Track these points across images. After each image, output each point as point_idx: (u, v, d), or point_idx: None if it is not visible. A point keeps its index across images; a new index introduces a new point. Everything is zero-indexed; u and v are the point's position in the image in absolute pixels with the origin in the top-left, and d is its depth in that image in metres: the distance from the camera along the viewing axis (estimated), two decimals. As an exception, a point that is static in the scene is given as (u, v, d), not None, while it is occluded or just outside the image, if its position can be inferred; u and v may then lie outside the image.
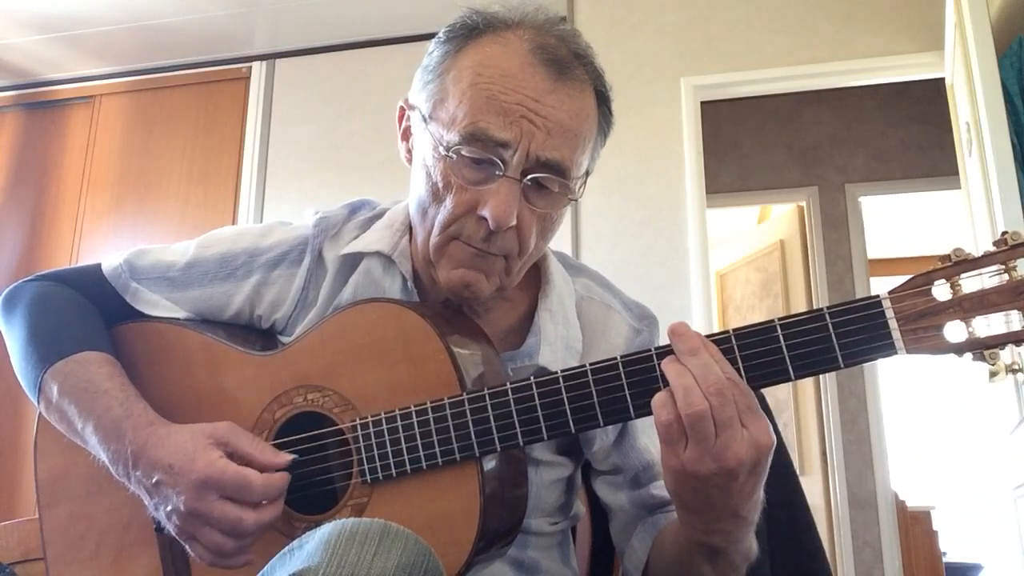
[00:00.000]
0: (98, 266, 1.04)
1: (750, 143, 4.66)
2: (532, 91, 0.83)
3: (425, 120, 0.89)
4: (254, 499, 0.80)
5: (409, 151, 0.94)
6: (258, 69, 3.71)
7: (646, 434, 0.97)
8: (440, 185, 0.86)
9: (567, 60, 0.86)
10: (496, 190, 0.83)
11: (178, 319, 1.00)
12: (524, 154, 0.83)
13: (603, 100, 0.91)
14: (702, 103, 3.18)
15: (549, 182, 0.85)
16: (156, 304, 1.01)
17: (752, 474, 0.71)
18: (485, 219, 0.84)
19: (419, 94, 0.91)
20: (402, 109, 0.95)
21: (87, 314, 0.99)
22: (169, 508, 0.82)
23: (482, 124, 0.83)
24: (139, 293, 1.01)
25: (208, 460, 0.80)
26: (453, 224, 0.86)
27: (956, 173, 2.98)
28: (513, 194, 0.84)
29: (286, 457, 0.85)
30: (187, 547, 0.84)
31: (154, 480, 0.82)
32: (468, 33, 0.88)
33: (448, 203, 0.86)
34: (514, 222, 0.84)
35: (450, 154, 0.84)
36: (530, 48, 0.85)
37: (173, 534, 0.84)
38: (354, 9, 3.47)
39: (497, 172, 0.84)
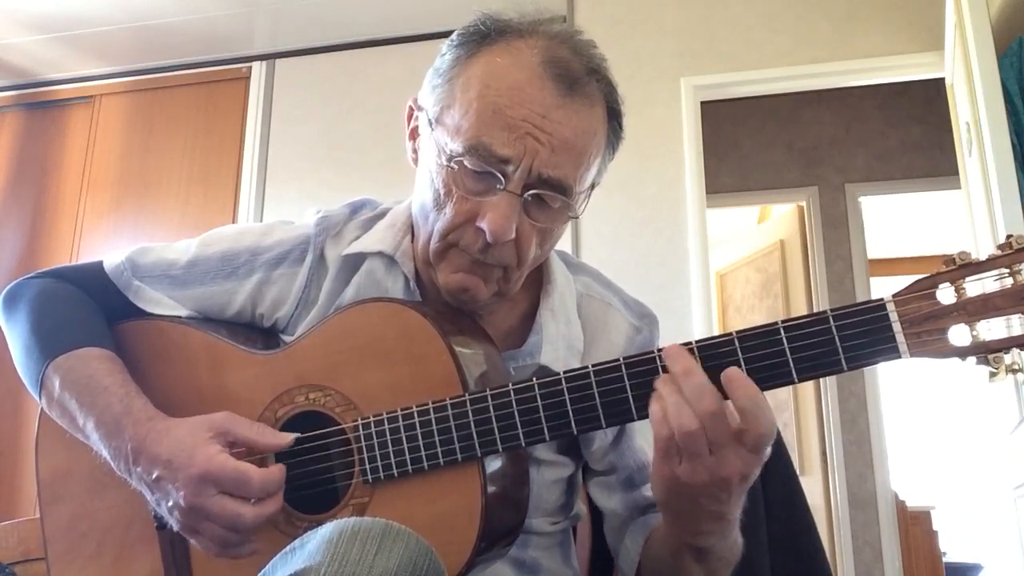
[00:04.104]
0: (100, 264, 1.04)
1: (750, 143, 4.66)
2: (539, 106, 0.82)
3: (431, 124, 0.88)
4: (252, 494, 0.80)
5: (415, 151, 0.94)
6: (258, 69, 3.71)
7: (642, 434, 0.98)
8: (442, 192, 0.86)
9: (578, 75, 0.84)
10: (496, 203, 0.83)
11: (180, 317, 1.00)
12: (526, 170, 0.83)
13: (614, 115, 0.90)
14: (702, 103, 3.18)
15: (550, 199, 0.85)
16: (158, 302, 1.01)
17: (743, 483, 0.73)
18: (483, 230, 0.84)
19: (428, 96, 0.91)
20: (411, 108, 0.95)
21: (89, 311, 0.99)
22: (170, 503, 0.82)
23: (485, 138, 0.82)
24: (141, 291, 1.01)
25: (207, 455, 0.80)
26: (452, 232, 0.87)
27: (956, 173, 2.98)
28: (512, 208, 0.83)
29: (287, 437, 0.85)
30: (192, 540, 0.84)
31: (154, 476, 0.82)
32: (480, 40, 0.87)
33: (448, 211, 0.86)
34: (512, 236, 0.84)
35: (451, 164, 0.84)
36: (541, 61, 0.84)
37: (176, 529, 0.84)
38: (354, 9, 3.47)
39: (498, 185, 0.83)
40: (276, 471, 0.83)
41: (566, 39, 0.87)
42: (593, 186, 0.92)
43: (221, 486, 0.80)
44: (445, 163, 0.85)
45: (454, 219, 0.86)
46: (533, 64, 0.83)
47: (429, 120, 0.89)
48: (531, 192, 0.84)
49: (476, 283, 0.88)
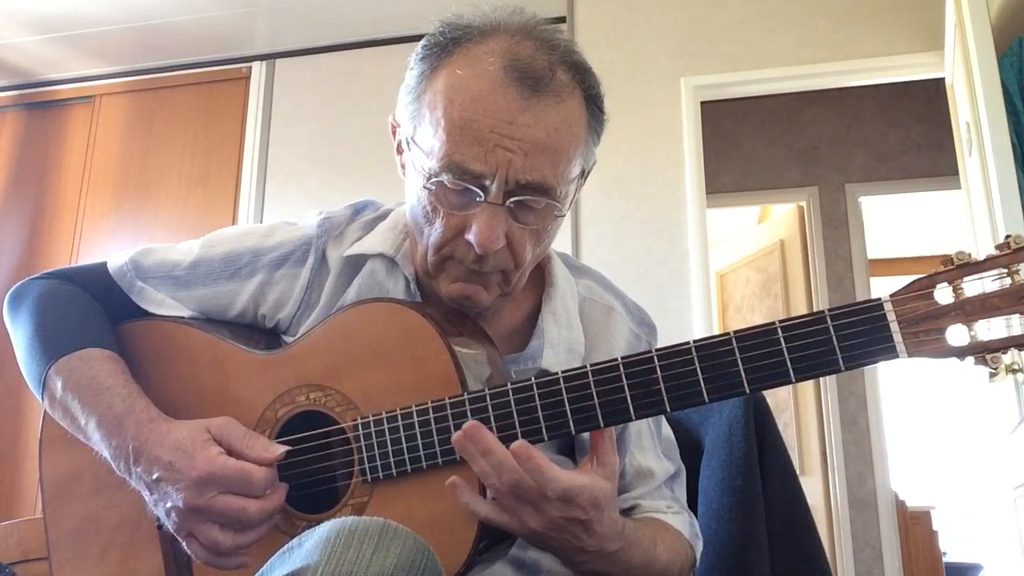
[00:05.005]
0: (104, 265, 1.04)
1: (750, 143, 4.66)
2: (505, 114, 0.81)
3: (408, 144, 0.89)
4: (257, 492, 0.81)
5: (403, 165, 0.94)
6: (258, 69, 3.71)
7: (636, 443, 0.99)
8: (429, 209, 0.87)
9: (541, 72, 0.82)
10: (479, 216, 0.83)
11: (183, 318, 1.01)
12: (503, 180, 0.82)
13: (592, 100, 0.88)
14: (702, 103, 3.18)
15: (533, 202, 0.85)
16: (162, 303, 1.01)
17: (580, 524, 0.78)
18: (474, 245, 0.84)
19: (402, 113, 0.91)
20: (392, 125, 0.95)
21: (92, 312, 0.99)
22: (169, 505, 0.82)
23: (457, 157, 0.82)
24: (145, 292, 1.02)
25: (208, 457, 0.81)
26: (445, 247, 0.87)
27: (956, 173, 2.98)
28: (496, 219, 0.83)
29: (277, 450, 0.85)
30: (184, 544, 0.84)
31: (154, 477, 0.83)
32: (440, 52, 0.86)
33: (438, 226, 0.87)
34: (501, 244, 0.84)
35: (430, 185, 0.84)
36: (501, 66, 0.82)
37: (172, 530, 0.84)
38: (354, 9, 3.47)
39: (478, 199, 0.83)
40: (272, 471, 0.84)
41: (528, 33, 0.85)
42: (584, 172, 0.91)
43: (224, 486, 0.80)
44: (424, 183, 0.85)
45: (444, 234, 0.86)
46: (492, 72, 0.82)
47: (406, 139, 0.89)
48: (513, 199, 0.83)
49: (476, 290, 0.89)
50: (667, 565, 0.89)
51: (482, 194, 0.83)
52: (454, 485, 0.78)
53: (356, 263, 0.98)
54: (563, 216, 0.89)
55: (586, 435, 0.96)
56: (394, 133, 0.95)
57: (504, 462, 0.76)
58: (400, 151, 0.94)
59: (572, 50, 0.87)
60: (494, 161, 0.81)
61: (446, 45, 0.86)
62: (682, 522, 0.98)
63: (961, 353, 0.70)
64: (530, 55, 0.83)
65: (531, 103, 0.82)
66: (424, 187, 0.85)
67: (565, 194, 0.87)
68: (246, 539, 0.82)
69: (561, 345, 0.96)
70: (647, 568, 0.86)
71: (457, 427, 0.81)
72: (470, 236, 0.84)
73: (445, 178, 0.83)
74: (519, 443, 0.76)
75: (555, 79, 0.83)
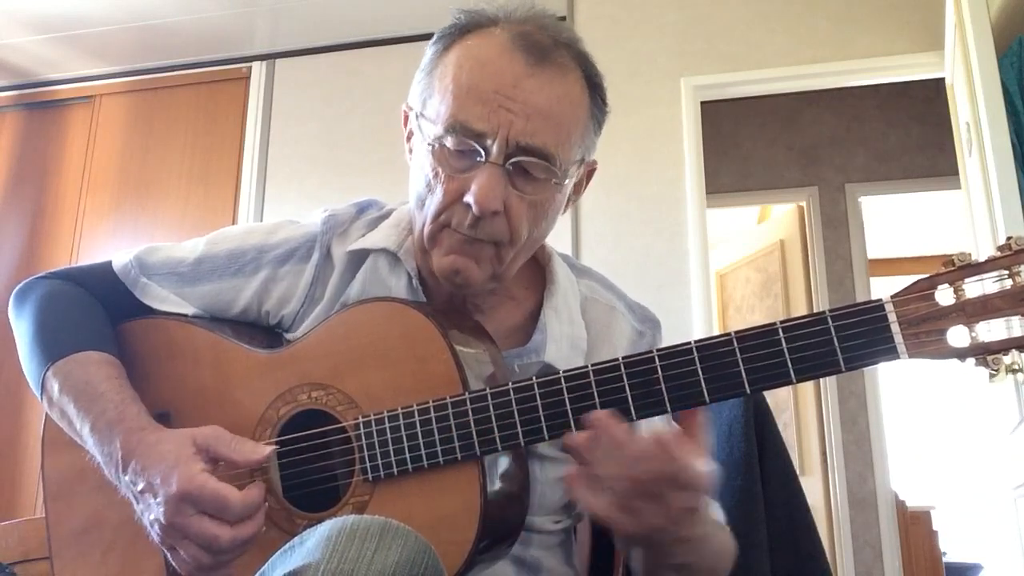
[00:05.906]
0: (108, 264, 1.05)
1: (750, 143, 4.66)
2: (510, 76, 0.84)
3: (417, 117, 0.91)
4: (232, 518, 0.79)
5: (411, 151, 0.96)
6: (258, 69, 3.71)
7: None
8: (431, 176, 0.88)
9: (547, 45, 0.87)
10: (478, 175, 0.85)
11: (186, 315, 1.01)
12: (504, 141, 0.84)
13: (595, 88, 0.91)
14: (702, 103, 3.19)
15: (532, 167, 0.86)
16: (165, 299, 1.01)
17: (695, 513, 0.76)
18: (471, 204, 0.85)
19: (414, 93, 0.94)
20: (405, 113, 0.97)
21: (93, 314, 0.99)
22: (152, 517, 0.81)
23: (461, 116, 0.85)
24: (148, 288, 1.02)
25: (188, 475, 0.79)
26: (444, 212, 0.88)
27: (956, 173, 2.98)
28: (495, 179, 0.85)
29: (264, 450, 0.84)
30: (169, 556, 0.83)
31: (139, 488, 0.82)
32: (455, 32, 0.91)
33: (438, 192, 0.88)
34: (498, 207, 0.85)
35: (434, 145, 0.87)
36: (510, 36, 0.87)
37: (157, 542, 0.83)
38: (354, 9, 3.47)
39: (479, 159, 0.85)
40: (256, 493, 0.81)
41: (536, 20, 0.90)
42: (584, 161, 0.93)
43: (200, 507, 0.78)
44: (430, 147, 0.87)
45: (444, 199, 0.87)
46: (503, 40, 0.87)
47: (416, 114, 0.92)
48: (512, 161, 0.85)
49: (467, 264, 0.89)
50: (731, 549, 0.89)
51: (483, 154, 0.85)
52: (572, 478, 0.76)
53: (359, 258, 0.99)
54: (561, 185, 0.90)
55: None
56: (406, 121, 0.97)
57: (646, 452, 0.72)
58: (410, 137, 0.96)
59: (577, 40, 0.91)
60: (496, 121, 0.84)
61: (462, 25, 0.90)
62: (717, 508, 0.97)
63: (962, 354, 0.70)
64: (536, 31, 0.88)
65: (536, 70, 0.85)
66: (428, 144, 0.87)
67: (565, 170, 0.89)
68: (226, 558, 0.81)
69: (564, 340, 0.96)
70: (722, 554, 0.87)
71: (458, 426, 0.81)
72: (468, 197, 0.85)
73: (448, 139, 0.85)
74: (663, 434, 0.73)
75: (559, 53, 0.87)
